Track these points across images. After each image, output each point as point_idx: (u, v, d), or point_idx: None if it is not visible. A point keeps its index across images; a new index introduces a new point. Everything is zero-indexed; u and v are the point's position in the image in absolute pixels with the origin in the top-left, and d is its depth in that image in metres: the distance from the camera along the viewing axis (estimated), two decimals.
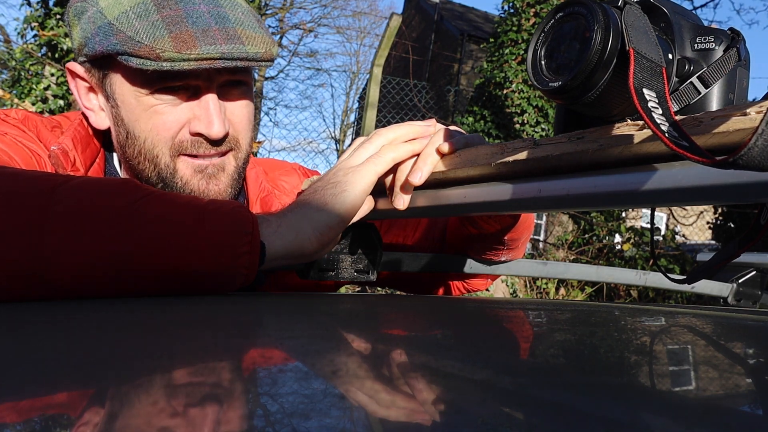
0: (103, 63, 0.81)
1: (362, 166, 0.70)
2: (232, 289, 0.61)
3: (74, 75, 0.85)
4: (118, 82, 0.81)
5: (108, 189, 0.58)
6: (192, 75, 0.78)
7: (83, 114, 0.87)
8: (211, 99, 0.80)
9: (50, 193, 0.55)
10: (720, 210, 7.91)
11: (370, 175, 0.70)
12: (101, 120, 0.86)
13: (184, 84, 0.79)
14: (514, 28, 8.27)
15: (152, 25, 0.75)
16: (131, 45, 0.74)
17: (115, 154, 0.90)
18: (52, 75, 5.23)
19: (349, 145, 0.78)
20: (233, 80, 0.83)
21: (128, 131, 0.82)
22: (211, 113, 0.80)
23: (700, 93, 0.51)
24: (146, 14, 0.76)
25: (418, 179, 0.67)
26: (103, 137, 0.89)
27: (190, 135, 0.81)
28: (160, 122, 0.80)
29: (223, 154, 0.84)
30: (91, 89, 0.85)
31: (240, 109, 0.85)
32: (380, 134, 0.73)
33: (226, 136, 0.82)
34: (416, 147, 0.70)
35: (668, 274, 0.79)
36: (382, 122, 7.92)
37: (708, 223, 8.46)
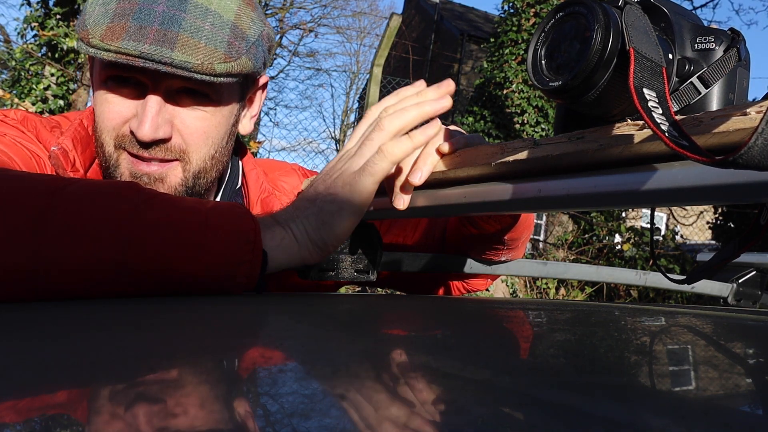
0: None
1: (362, 177, 0.67)
2: (232, 294, 0.61)
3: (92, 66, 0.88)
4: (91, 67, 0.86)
5: (109, 192, 0.57)
6: (139, 70, 0.78)
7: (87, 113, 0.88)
8: (151, 100, 0.79)
9: (52, 195, 0.54)
10: (720, 210, 7.91)
11: (369, 186, 0.67)
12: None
13: (132, 77, 0.79)
14: (514, 28, 8.28)
15: (103, 14, 0.77)
16: (81, 28, 0.78)
17: None
18: (52, 75, 5.23)
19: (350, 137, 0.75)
20: (189, 88, 0.80)
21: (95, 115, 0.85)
22: (146, 113, 0.78)
23: (700, 93, 0.51)
24: (109, 2, 0.78)
25: (418, 179, 0.66)
26: None
27: (129, 131, 0.81)
28: (106, 110, 0.81)
29: (166, 162, 0.82)
30: None
31: (192, 121, 0.82)
32: (383, 128, 0.69)
33: (162, 141, 0.80)
34: (418, 139, 0.68)
35: (668, 274, 0.79)
36: None
37: (708, 223, 8.46)
